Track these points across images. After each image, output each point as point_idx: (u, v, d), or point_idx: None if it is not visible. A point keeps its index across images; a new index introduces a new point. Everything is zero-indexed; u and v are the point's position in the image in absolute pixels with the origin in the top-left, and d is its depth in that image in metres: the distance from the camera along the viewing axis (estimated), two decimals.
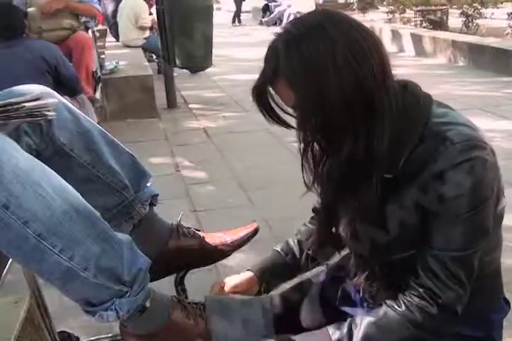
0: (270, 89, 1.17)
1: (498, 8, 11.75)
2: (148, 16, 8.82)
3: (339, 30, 1.10)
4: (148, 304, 1.27)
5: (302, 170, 1.26)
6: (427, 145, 1.16)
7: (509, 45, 8.02)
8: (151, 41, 8.64)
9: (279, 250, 1.60)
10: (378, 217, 1.23)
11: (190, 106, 6.94)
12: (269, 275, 1.59)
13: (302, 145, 1.20)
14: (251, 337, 1.36)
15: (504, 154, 4.50)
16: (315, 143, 1.21)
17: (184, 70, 7.97)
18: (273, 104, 1.19)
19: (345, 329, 1.22)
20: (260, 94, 1.18)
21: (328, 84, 1.08)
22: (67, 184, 1.19)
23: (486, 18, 11.10)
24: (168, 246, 1.56)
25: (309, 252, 1.55)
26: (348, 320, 1.25)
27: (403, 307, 1.21)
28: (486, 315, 1.35)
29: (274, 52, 1.13)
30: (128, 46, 8.71)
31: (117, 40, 9.23)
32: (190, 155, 4.95)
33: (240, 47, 10.46)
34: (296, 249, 1.57)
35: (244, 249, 2.44)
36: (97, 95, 5.38)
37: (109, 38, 9.53)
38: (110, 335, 1.85)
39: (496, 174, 1.18)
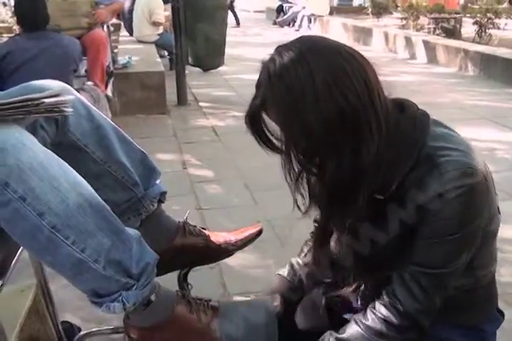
0: (262, 114, 1.20)
1: (511, 18, 11.74)
2: (163, 12, 8.86)
3: (320, 59, 1.12)
4: (153, 298, 1.31)
5: (295, 193, 1.29)
6: (420, 171, 1.18)
7: None
8: (165, 38, 8.68)
9: (285, 276, 1.60)
10: (367, 235, 1.27)
11: (201, 104, 6.95)
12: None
13: (292, 172, 1.24)
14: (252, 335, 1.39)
15: (509, 165, 4.55)
16: (304, 168, 1.24)
17: (196, 68, 8.02)
18: (265, 129, 1.23)
19: None
20: (252, 119, 1.22)
21: (308, 111, 1.11)
22: (81, 178, 1.23)
23: (499, 28, 11.08)
24: (174, 243, 1.59)
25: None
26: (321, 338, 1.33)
27: (369, 321, 1.28)
28: (479, 325, 1.38)
29: (260, 81, 1.17)
30: (141, 41, 8.75)
31: (131, 35, 9.29)
32: (197, 153, 4.98)
33: (252, 47, 10.47)
34: (302, 272, 1.59)
35: (247, 248, 2.47)
36: (109, 90, 5.42)
37: (123, 33, 9.57)
38: (111, 327, 1.89)
39: (486, 198, 1.21)
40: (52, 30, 4.32)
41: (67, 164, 1.23)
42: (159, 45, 8.79)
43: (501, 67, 8.00)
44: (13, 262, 1.45)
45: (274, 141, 1.23)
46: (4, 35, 6.98)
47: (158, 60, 7.26)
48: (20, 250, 1.50)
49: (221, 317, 1.40)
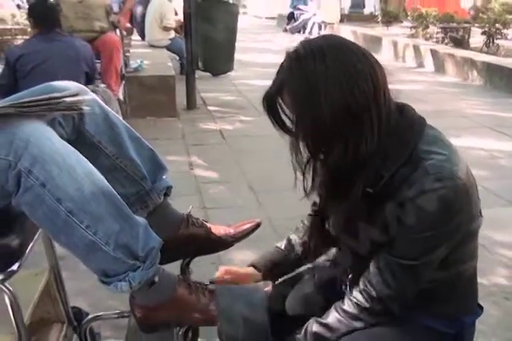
0: (279, 98, 1.34)
1: None
2: (173, 17, 9.02)
3: (337, 56, 1.27)
4: (156, 279, 1.43)
5: (303, 179, 1.42)
6: (408, 170, 1.31)
7: None
8: (176, 43, 8.85)
9: (281, 247, 1.74)
10: (359, 225, 1.39)
11: (209, 108, 7.10)
12: (270, 268, 1.73)
13: (298, 154, 1.36)
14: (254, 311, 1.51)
15: (509, 173, 4.66)
16: (312, 154, 1.37)
17: (205, 73, 8.15)
18: (280, 112, 1.36)
19: (301, 333, 1.45)
20: (269, 101, 1.35)
21: (319, 100, 1.25)
22: (95, 169, 1.36)
23: (507, 38, 11.15)
24: (178, 233, 1.70)
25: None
26: (306, 323, 1.47)
27: (345, 305, 1.42)
28: (459, 316, 1.49)
29: (282, 68, 1.31)
30: (153, 46, 8.91)
31: (143, 39, 9.45)
32: (204, 155, 5.12)
33: (262, 53, 10.60)
34: (297, 245, 1.71)
35: (248, 245, 2.60)
36: (120, 93, 5.55)
37: (135, 37, 9.73)
38: (118, 311, 2.01)
39: (465, 201, 1.32)
40: (64, 33, 4.46)
41: (82, 156, 1.36)
42: (170, 49, 8.94)
43: (507, 77, 8.10)
44: (29, 247, 1.58)
45: (288, 123, 1.37)
46: (19, 36, 7.16)
47: (170, 64, 7.41)
48: (36, 236, 1.64)
49: (218, 297, 1.52)
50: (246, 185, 4.40)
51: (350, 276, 1.53)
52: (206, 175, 4.65)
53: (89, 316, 2.03)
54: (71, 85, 1.52)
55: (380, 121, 1.29)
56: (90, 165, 1.36)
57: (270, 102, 1.35)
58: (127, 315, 1.89)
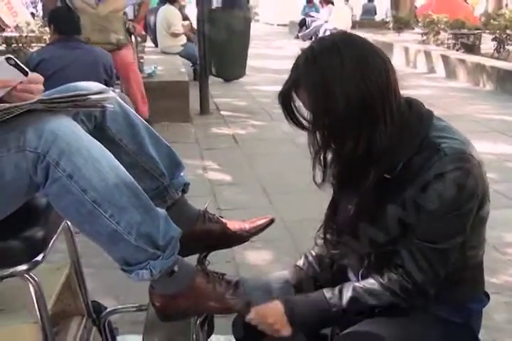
0: (294, 94, 1.40)
1: None
2: (180, 23, 9.15)
3: (351, 50, 1.34)
4: (176, 268, 1.49)
5: (314, 169, 1.48)
6: (424, 155, 1.38)
7: None
8: (188, 48, 8.96)
9: (301, 266, 1.72)
10: (376, 214, 1.45)
11: (222, 112, 7.18)
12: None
13: (315, 147, 1.43)
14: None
15: None
16: (324, 145, 1.43)
17: (218, 78, 8.24)
18: (294, 108, 1.42)
19: (336, 291, 1.47)
20: (284, 97, 1.41)
21: (335, 93, 1.32)
22: (118, 163, 1.43)
23: None
24: (194, 228, 1.75)
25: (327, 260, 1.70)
26: (340, 284, 1.49)
27: (386, 280, 1.45)
28: (466, 303, 1.54)
29: (297, 64, 1.38)
30: (165, 53, 9.02)
31: (156, 47, 9.58)
32: (218, 159, 5.19)
33: (273, 60, 10.68)
34: (315, 263, 1.71)
35: (262, 246, 2.66)
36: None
37: (148, 43, 9.85)
38: (135, 305, 2.07)
39: (479, 183, 1.39)
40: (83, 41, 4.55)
41: (106, 149, 1.43)
42: (183, 55, 9.04)
43: None
44: (53, 240, 1.63)
45: (301, 118, 1.42)
46: (33, 44, 7.28)
47: (183, 70, 7.51)
48: (59, 230, 1.71)
49: (243, 282, 1.58)
50: (259, 187, 4.46)
51: (366, 264, 1.56)
52: (220, 177, 4.72)
53: (108, 309, 2.08)
54: (94, 85, 1.60)
55: (391, 113, 1.36)
56: (114, 158, 1.43)
57: (286, 97, 1.41)
58: (145, 308, 1.95)
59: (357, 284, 1.48)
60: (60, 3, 5.23)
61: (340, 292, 1.47)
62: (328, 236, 1.66)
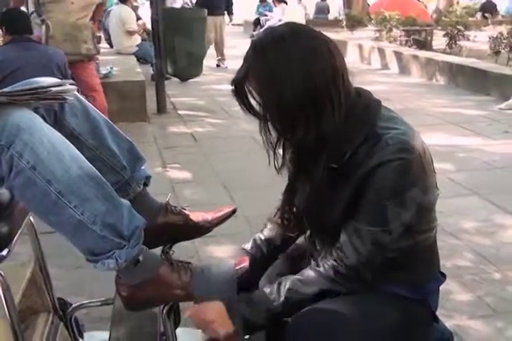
0: (246, 83, 1.44)
1: (480, 30, 12.10)
2: (135, 22, 9.18)
3: (297, 41, 1.38)
4: (141, 258, 1.51)
5: (274, 158, 1.53)
6: (368, 145, 1.43)
7: (487, 66, 8.37)
8: (143, 48, 8.94)
9: (248, 250, 1.79)
10: (326, 198, 1.50)
11: (179, 112, 7.19)
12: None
13: (267, 134, 1.46)
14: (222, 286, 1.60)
15: (474, 165, 4.84)
16: (279, 134, 1.47)
17: (174, 78, 8.23)
18: (246, 96, 1.45)
19: (275, 285, 1.52)
20: (237, 87, 1.45)
21: (282, 83, 1.36)
22: (80, 154, 1.45)
23: (468, 40, 11.43)
24: (157, 220, 1.77)
25: (276, 243, 1.77)
26: (279, 279, 1.54)
27: (321, 267, 1.50)
28: (423, 283, 1.60)
29: (247, 55, 1.42)
30: (121, 53, 8.98)
31: (111, 47, 9.52)
32: (177, 158, 5.20)
33: (229, 60, 10.69)
34: (263, 246, 1.77)
35: (224, 241, 2.67)
36: None
37: (103, 44, 9.77)
38: (101, 299, 2.08)
39: (420, 173, 1.44)
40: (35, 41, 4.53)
41: (68, 141, 1.45)
42: (139, 56, 9.02)
43: (469, 76, 8.33)
44: (17, 235, 1.63)
45: (255, 106, 1.46)
46: None
47: (139, 70, 7.48)
48: (22, 225, 1.71)
49: (194, 275, 1.60)
50: (219, 184, 4.49)
51: (318, 248, 1.63)
52: (180, 176, 4.73)
53: (74, 305, 2.09)
54: (53, 79, 1.61)
55: (339, 101, 1.40)
56: (76, 150, 1.45)
57: (238, 87, 1.45)
58: (111, 302, 1.97)
59: (294, 276, 1.52)
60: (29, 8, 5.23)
61: (279, 285, 1.51)
62: (284, 219, 1.70)
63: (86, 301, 2.13)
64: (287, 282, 1.51)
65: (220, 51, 11.17)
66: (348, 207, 1.46)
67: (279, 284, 1.52)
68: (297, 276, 1.52)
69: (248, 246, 1.80)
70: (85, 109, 1.70)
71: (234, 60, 10.41)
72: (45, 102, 1.46)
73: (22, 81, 1.53)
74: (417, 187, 1.44)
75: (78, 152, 1.45)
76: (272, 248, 1.78)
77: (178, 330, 1.91)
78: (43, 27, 4.98)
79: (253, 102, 1.46)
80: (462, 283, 2.89)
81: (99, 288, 2.54)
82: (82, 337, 2.15)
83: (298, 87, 1.36)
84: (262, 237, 1.79)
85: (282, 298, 1.49)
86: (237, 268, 1.70)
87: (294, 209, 1.65)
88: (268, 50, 1.38)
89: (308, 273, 1.52)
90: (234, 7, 11.64)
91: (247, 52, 1.42)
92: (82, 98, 1.72)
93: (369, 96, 1.51)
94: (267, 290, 1.53)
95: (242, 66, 1.43)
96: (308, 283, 1.50)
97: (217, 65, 11.05)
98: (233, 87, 1.45)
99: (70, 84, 1.53)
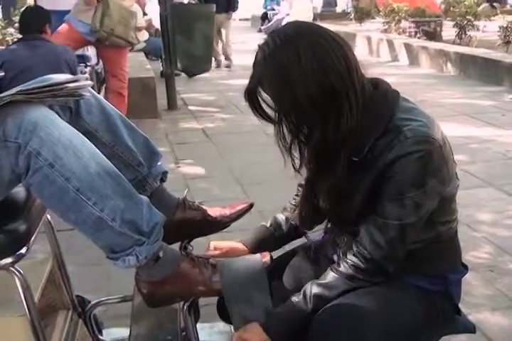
0: (259, 90, 1.43)
1: (490, 20, 12.01)
2: (142, 18, 9.13)
3: (305, 40, 1.35)
4: (161, 254, 1.50)
5: (291, 158, 1.49)
6: (388, 137, 1.41)
7: (498, 56, 8.30)
8: (151, 44, 8.93)
9: (267, 226, 1.82)
10: (347, 192, 1.49)
11: (190, 107, 7.18)
12: (257, 245, 1.80)
13: (283, 139, 1.45)
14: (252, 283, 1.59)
15: (484, 156, 4.81)
16: (294, 136, 1.46)
17: (183, 74, 8.22)
18: (260, 104, 1.45)
19: (301, 295, 1.51)
20: (250, 94, 1.44)
21: (296, 86, 1.34)
22: (98, 151, 1.44)
23: (478, 30, 11.35)
24: (175, 216, 1.76)
25: (293, 223, 1.77)
26: (304, 286, 1.53)
27: (341, 267, 1.49)
28: (445, 274, 1.58)
29: (256, 61, 1.40)
30: (130, 50, 8.95)
31: None
32: (189, 153, 5.20)
33: (237, 54, 10.64)
34: (283, 224, 1.79)
35: (239, 235, 2.64)
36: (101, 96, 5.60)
37: None
38: (120, 296, 2.08)
39: (441, 164, 1.42)
40: (47, 38, 4.52)
41: (86, 138, 1.44)
42: (148, 51, 9.01)
43: (480, 66, 8.27)
44: (36, 232, 1.63)
45: (269, 112, 1.45)
46: None
47: (148, 66, 7.47)
48: (41, 222, 1.71)
49: (221, 270, 1.59)
50: (233, 179, 4.48)
51: (339, 244, 1.62)
52: (193, 171, 4.72)
53: (93, 302, 2.09)
54: (66, 75, 1.60)
55: (356, 97, 1.38)
56: (94, 147, 1.44)
57: (251, 95, 1.43)
58: (129, 299, 1.97)
59: (317, 281, 1.52)
60: None
61: (304, 296, 1.50)
62: (303, 214, 1.69)
63: (104, 298, 2.13)
64: (312, 289, 1.50)
65: (225, 53, 10.77)
66: (368, 199, 1.45)
67: (305, 294, 1.50)
68: (320, 281, 1.51)
69: (268, 223, 1.82)
70: (101, 106, 1.69)
71: (245, 54, 10.43)
72: (61, 99, 1.45)
73: (32, 79, 1.52)
74: (438, 179, 1.42)
75: (95, 148, 1.45)
76: (292, 227, 1.78)
77: (198, 326, 1.90)
78: (101, 4, 4.98)
79: (268, 108, 1.45)
80: (481, 275, 2.87)
81: (117, 285, 2.55)
82: (101, 333, 2.15)
83: (311, 87, 1.34)
84: (283, 216, 1.80)
85: (310, 307, 1.49)
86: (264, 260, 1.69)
87: (316, 204, 1.63)
88: (276, 53, 1.36)
89: (330, 275, 1.51)
90: (240, 2, 11.25)
91: (256, 58, 1.41)
92: (97, 94, 1.71)
93: (387, 88, 1.49)
94: (294, 301, 1.51)
95: (252, 72, 1.42)
96: (331, 286, 1.49)
97: (217, 66, 10.46)
98: (246, 95, 1.44)
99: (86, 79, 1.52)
